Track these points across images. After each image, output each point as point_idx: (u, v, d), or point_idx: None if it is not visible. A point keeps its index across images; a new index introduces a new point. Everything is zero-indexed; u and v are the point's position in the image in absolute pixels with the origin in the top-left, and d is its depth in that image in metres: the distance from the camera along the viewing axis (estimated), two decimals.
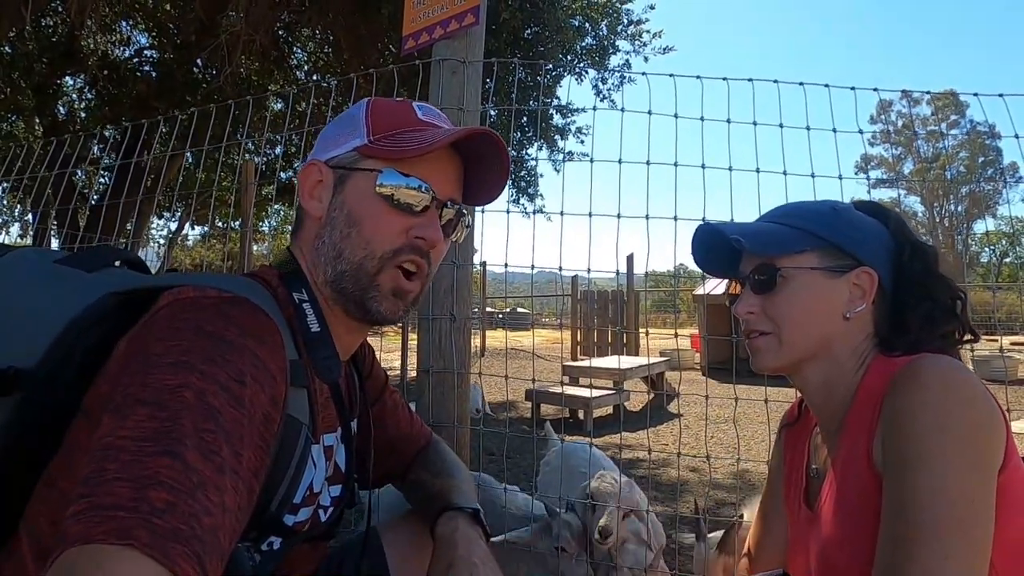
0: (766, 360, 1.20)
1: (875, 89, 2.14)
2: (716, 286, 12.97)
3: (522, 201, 10.99)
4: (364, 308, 1.08)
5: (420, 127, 1.11)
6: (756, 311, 1.20)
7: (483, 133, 1.09)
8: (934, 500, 0.92)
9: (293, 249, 1.14)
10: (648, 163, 2.01)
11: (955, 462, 0.93)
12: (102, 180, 11.69)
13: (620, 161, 2.03)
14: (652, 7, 10.47)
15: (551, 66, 8.87)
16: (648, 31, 10.37)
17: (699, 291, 12.45)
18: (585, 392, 7.42)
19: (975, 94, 2.14)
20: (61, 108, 12.13)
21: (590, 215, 2.01)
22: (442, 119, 1.17)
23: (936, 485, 0.92)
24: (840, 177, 1.98)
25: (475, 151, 1.13)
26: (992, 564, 0.93)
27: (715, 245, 1.25)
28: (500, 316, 21.54)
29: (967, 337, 1.18)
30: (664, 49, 10.48)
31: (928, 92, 2.27)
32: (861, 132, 2.10)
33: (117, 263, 1.11)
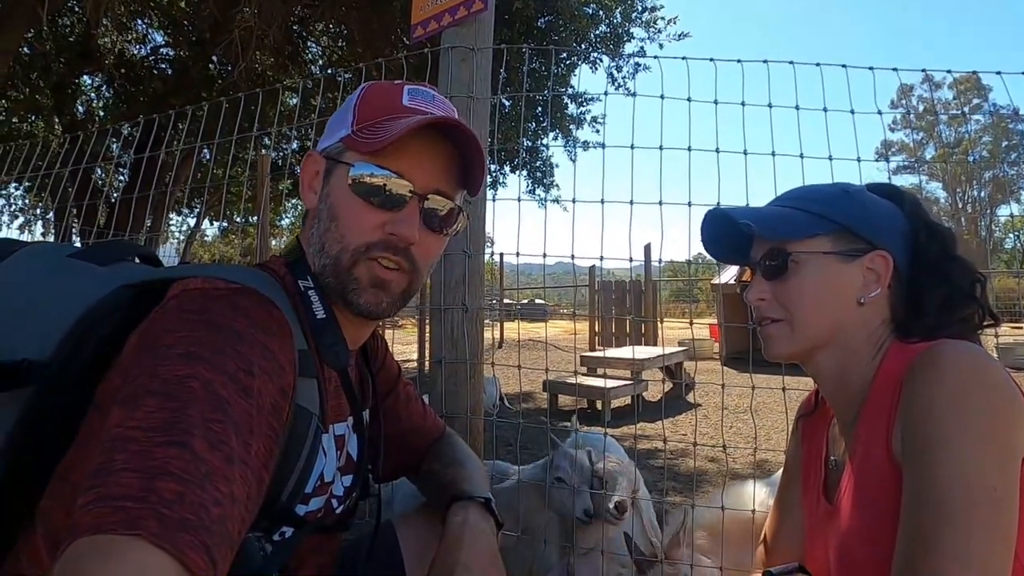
0: (779, 347, 1.18)
1: (895, 69, 2.10)
2: (734, 276, 12.92)
3: (538, 191, 10.95)
4: (346, 301, 1.06)
5: (401, 114, 1.07)
6: (767, 297, 1.17)
7: (445, 121, 1.04)
8: (955, 488, 0.89)
9: (301, 238, 1.13)
10: (661, 148, 1.98)
11: (977, 449, 0.91)
12: (120, 178, 11.81)
13: (632, 147, 2.00)
14: None
15: (565, 54, 8.82)
16: (663, 18, 10.28)
17: (717, 280, 12.40)
18: (603, 382, 7.40)
19: (998, 72, 2.09)
20: (79, 107, 12.25)
21: (602, 202, 1.98)
22: (435, 103, 1.13)
23: (957, 473, 0.90)
24: (859, 160, 1.94)
25: (463, 140, 1.08)
26: (1016, 555, 0.90)
27: (725, 231, 1.23)
28: (518, 308, 21.53)
29: (987, 321, 1.15)
30: (679, 35, 10.39)
31: (949, 71, 2.23)
32: (880, 113, 2.05)
33: (130, 257, 1.12)
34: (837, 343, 1.15)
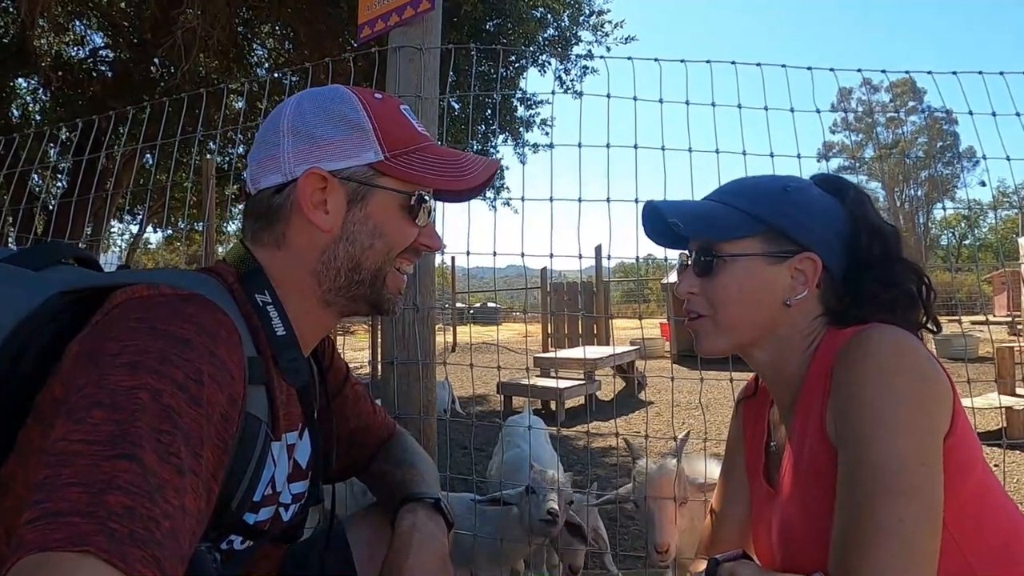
0: (706, 343, 1.20)
1: (831, 69, 2.17)
2: None
3: (488, 193, 10.96)
4: (378, 308, 1.14)
5: (423, 142, 1.13)
6: (696, 291, 1.19)
7: (492, 176, 1.17)
8: (884, 465, 0.93)
9: (256, 250, 1.09)
10: (608, 146, 2.02)
11: (905, 427, 0.95)
12: (59, 184, 11.43)
13: (580, 145, 2.04)
14: None
15: (513, 57, 8.86)
16: (610, 21, 10.39)
17: (667, 280, 12.58)
18: (556, 383, 7.45)
19: (929, 72, 2.17)
20: (15, 110, 11.84)
21: (551, 200, 2.01)
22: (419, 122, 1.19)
23: (885, 450, 0.94)
24: (799, 156, 2.00)
25: None
26: (945, 525, 0.94)
27: (663, 222, 1.22)
28: (470, 311, 21.49)
29: (929, 325, 1.17)
30: (626, 39, 10.52)
31: (883, 71, 2.31)
32: (819, 111, 2.12)
33: (66, 260, 1.07)
34: (768, 339, 1.17)
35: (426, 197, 1.11)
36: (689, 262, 1.22)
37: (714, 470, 2.15)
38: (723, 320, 1.16)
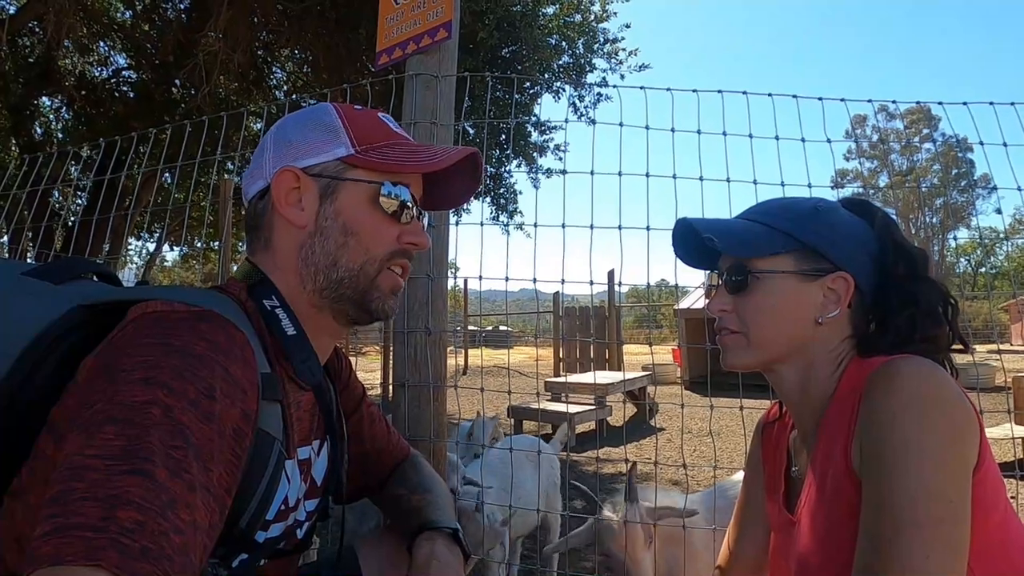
0: (734, 358, 1.20)
1: (843, 100, 2.18)
2: (696, 300, 13.04)
3: (501, 217, 10.99)
4: (366, 309, 1.11)
5: (399, 139, 1.14)
6: (728, 309, 1.19)
7: (474, 153, 1.17)
8: (914, 498, 0.92)
9: (256, 260, 1.12)
10: (620, 174, 2.03)
11: (933, 461, 0.93)
12: (78, 202, 11.57)
13: (592, 172, 2.06)
14: (628, 26, 10.56)
15: (528, 84, 8.92)
16: (624, 49, 10.44)
17: (679, 306, 12.53)
18: (567, 408, 7.43)
19: (940, 103, 2.18)
20: (38, 128, 12.01)
21: (563, 226, 2.02)
22: (400, 127, 1.20)
23: (915, 484, 0.92)
24: (810, 186, 2.01)
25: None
26: (969, 566, 0.93)
27: (695, 239, 1.23)
28: (482, 334, 21.50)
29: (956, 345, 1.16)
30: (640, 67, 10.56)
31: (894, 102, 2.31)
32: (830, 141, 2.13)
33: (86, 275, 1.10)
34: (796, 358, 1.16)
35: (402, 195, 1.11)
36: (720, 281, 1.22)
37: (666, 497, 2.15)
38: (755, 337, 1.16)
